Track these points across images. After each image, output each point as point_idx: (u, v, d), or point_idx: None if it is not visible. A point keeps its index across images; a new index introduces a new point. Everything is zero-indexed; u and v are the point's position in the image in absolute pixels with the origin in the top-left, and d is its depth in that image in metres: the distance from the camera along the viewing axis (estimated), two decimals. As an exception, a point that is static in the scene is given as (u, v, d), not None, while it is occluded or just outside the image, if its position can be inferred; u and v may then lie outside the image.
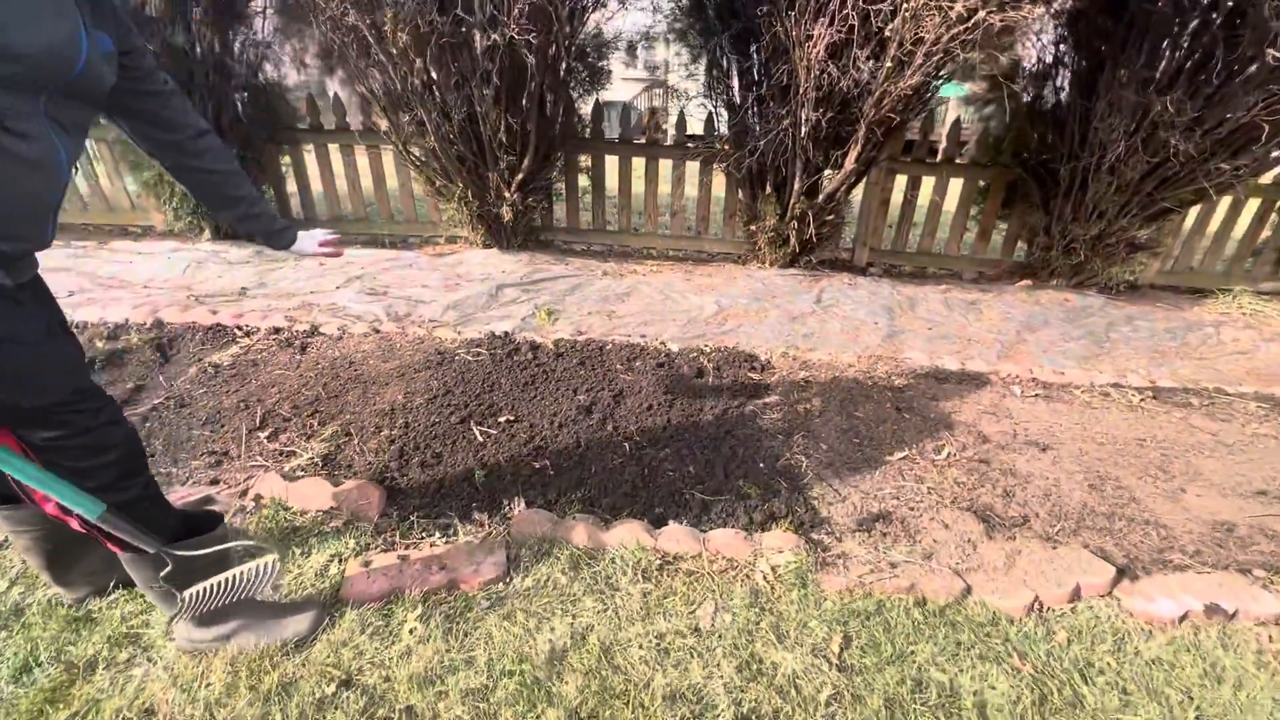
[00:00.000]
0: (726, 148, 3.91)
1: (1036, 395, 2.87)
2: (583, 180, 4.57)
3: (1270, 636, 1.70)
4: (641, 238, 4.77)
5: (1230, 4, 2.98)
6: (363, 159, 4.59)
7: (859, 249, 4.62)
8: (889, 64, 2.92)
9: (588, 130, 4.42)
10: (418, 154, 3.99)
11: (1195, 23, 3.10)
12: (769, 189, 3.88)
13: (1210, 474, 2.37)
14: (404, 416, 2.43)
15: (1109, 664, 1.59)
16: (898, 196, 4.50)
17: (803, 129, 3.34)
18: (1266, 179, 4.19)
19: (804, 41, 3.06)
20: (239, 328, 3.21)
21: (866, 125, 3.22)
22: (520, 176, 3.94)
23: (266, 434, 2.33)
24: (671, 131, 4.34)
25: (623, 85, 6.32)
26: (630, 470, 2.14)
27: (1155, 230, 3.83)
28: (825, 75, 3.06)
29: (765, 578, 1.78)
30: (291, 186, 4.77)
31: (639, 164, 4.47)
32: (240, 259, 4.35)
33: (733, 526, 1.94)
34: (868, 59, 2.93)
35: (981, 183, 4.40)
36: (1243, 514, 2.15)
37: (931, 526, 2.00)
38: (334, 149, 4.58)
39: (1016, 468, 2.33)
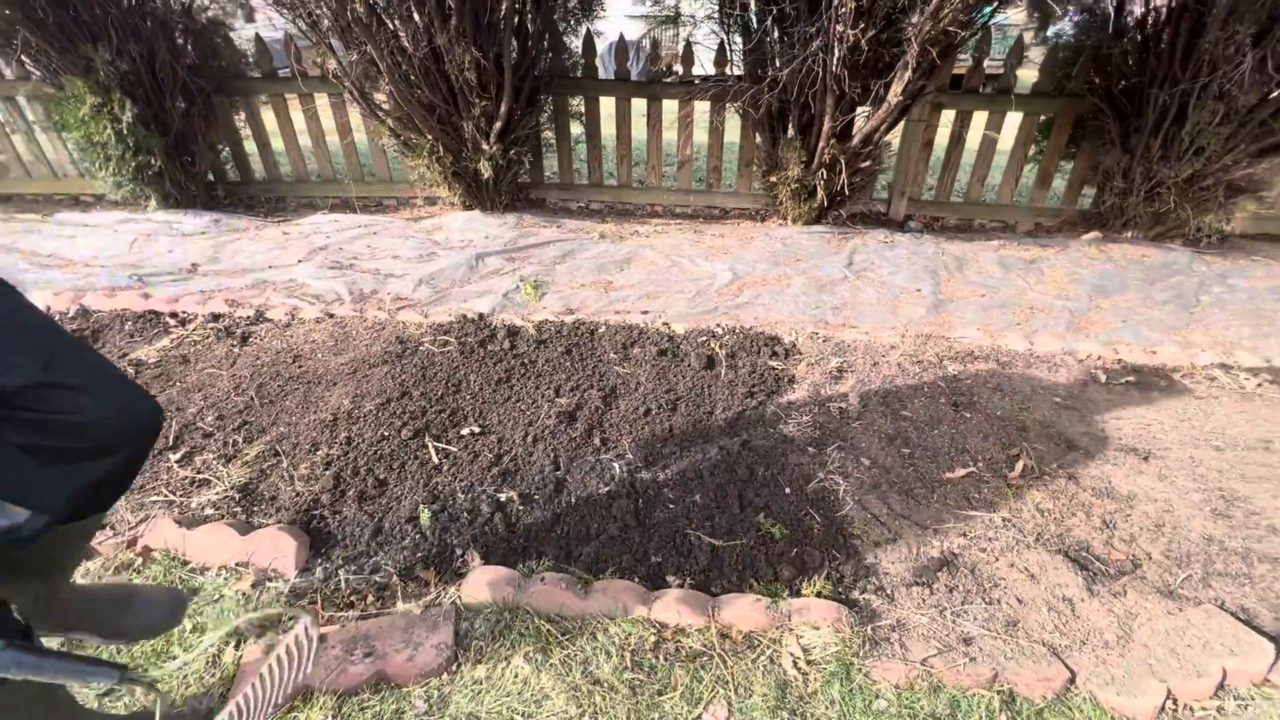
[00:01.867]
0: (743, 82, 3.27)
1: (1126, 382, 2.34)
2: (575, 127, 3.97)
3: None
4: (645, 193, 4.18)
5: None
6: (326, 111, 4.03)
7: (896, 200, 3.99)
8: None
9: (579, 68, 3.79)
10: (380, 100, 3.43)
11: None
12: (792, 131, 3.27)
13: (1367, 489, 1.85)
14: (347, 429, 1.99)
15: (1285, 802, 1.13)
16: (943, 138, 3.84)
17: (836, 53, 2.69)
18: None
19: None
20: (173, 315, 2.77)
21: (919, 43, 2.57)
22: (499, 125, 3.36)
23: (179, 456, 1.90)
24: (677, 68, 3.69)
25: (629, 24, 5.59)
26: (621, 503, 1.68)
27: (1267, 168, 3.16)
28: None
29: (796, 664, 1.33)
30: (251, 146, 4.23)
31: (639, 106, 3.84)
32: (195, 229, 3.88)
33: (751, 586, 1.49)
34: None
35: (1044, 116, 3.72)
36: None
37: (1012, 577, 1.53)
38: (292, 99, 4.01)
39: (1114, 486, 1.83)
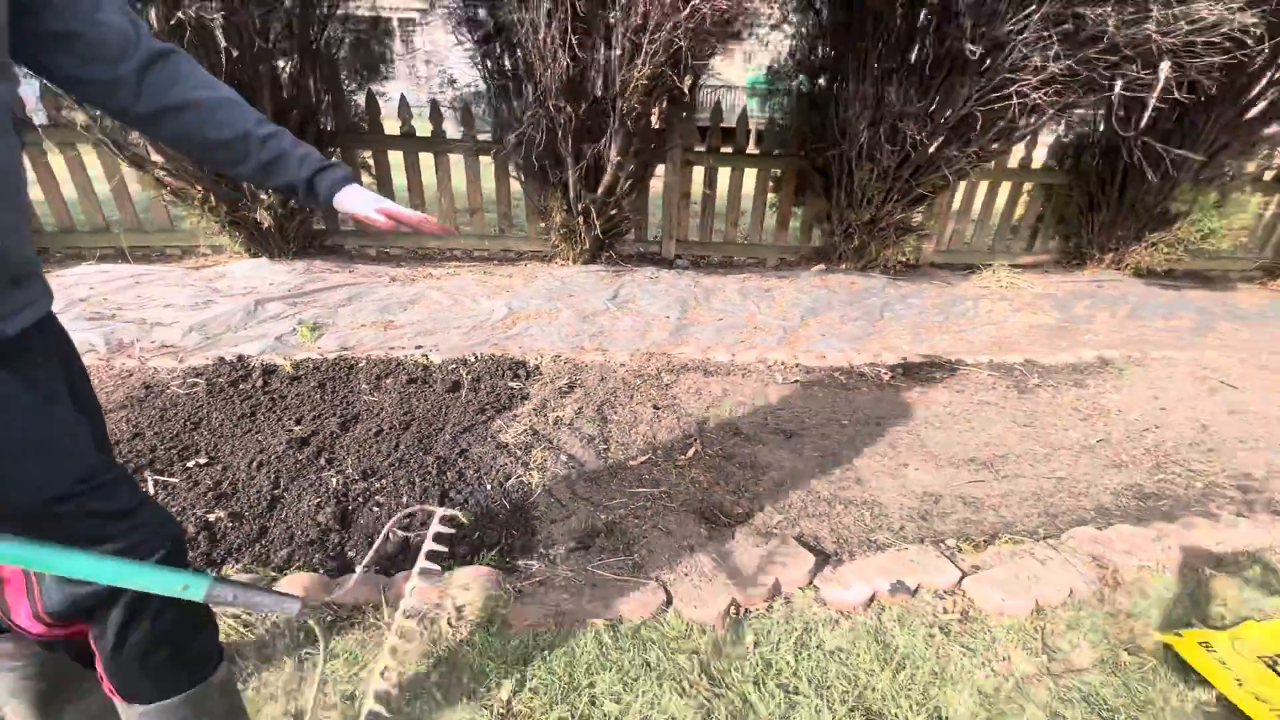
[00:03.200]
0: (497, 144, 3.72)
1: (797, 381, 2.95)
2: (365, 178, 4.18)
3: (945, 608, 1.78)
4: (440, 240, 4.47)
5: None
6: (92, 157, 3.91)
7: (666, 241, 4.61)
8: (618, 52, 2.85)
9: (364, 123, 4.05)
10: (144, 147, 3.44)
11: (922, 17, 3.30)
12: (552, 182, 3.73)
13: (934, 446, 2.51)
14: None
15: (787, 663, 1.57)
16: (699, 188, 4.53)
17: (559, 119, 3.21)
18: (1012, 163, 4.64)
19: (534, 27, 2.91)
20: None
21: (618, 117, 3.15)
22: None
23: None
24: (451, 127, 4.07)
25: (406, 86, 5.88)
26: (327, 512, 1.89)
27: (924, 213, 4.12)
28: (559, 64, 2.93)
29: (449, 620, 1.61)
30: None
31: (427, 159, 4.16)
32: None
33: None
34: (599, 47, 2.85)
35: (775, 171, 4.53)
36: (951, 484, 2.29)
37: (652, 535, 1.94)
38: (50, 148, 3.86)
39: (758, 459, 2.34)
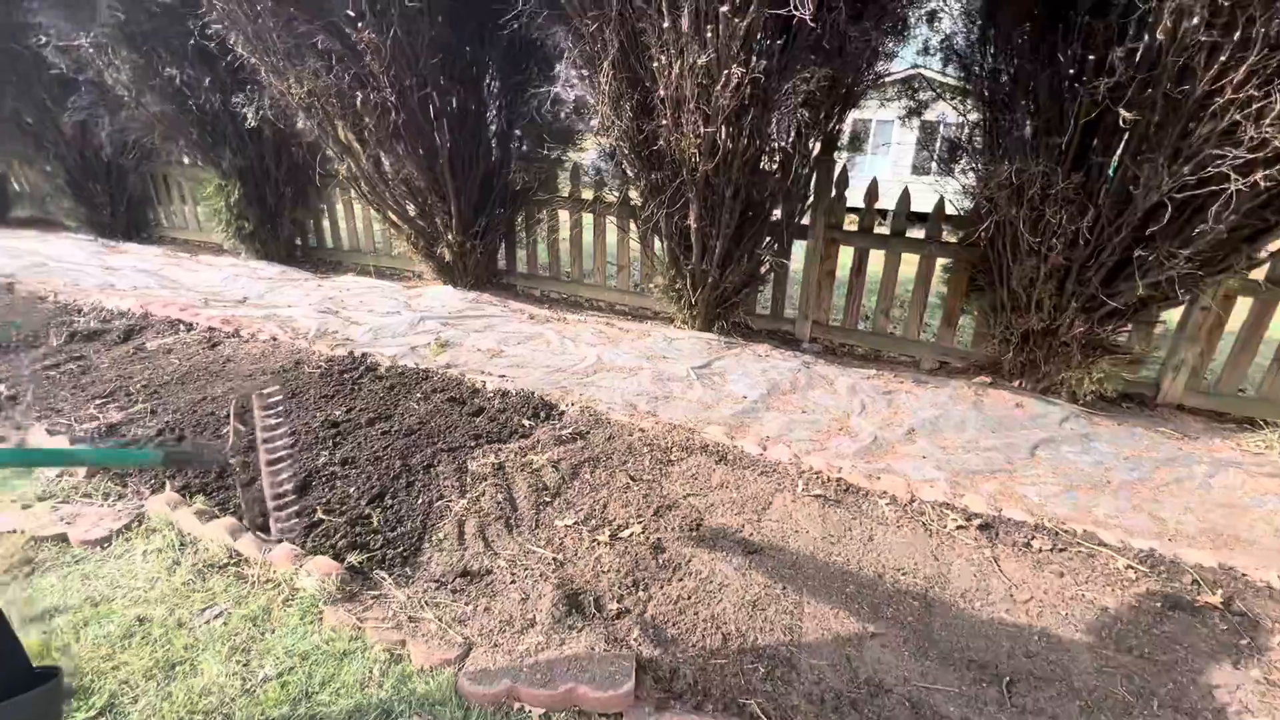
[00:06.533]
0: (639, 208, 3.95)
1: (819, 496, 2.45)
2: (543, 229, 4.86)
3: None
4: (591, 289, 4.89)
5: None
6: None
7: (800, 321, 4.25)
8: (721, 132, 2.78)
9: (542, 186, 4.74)
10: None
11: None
12: (660, 248, 3.81)
13: (943, 636, 1.85)
14: (204, 405, 2.83)
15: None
16: (846, 270, 4.11)
17: (693, 207, 3.27)
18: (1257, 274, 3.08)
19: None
20: (186, 324, 3.96)
21: (732, 188, 3.06)
22: (454, 222, 4.35)
23: (99, 404, 2.87)
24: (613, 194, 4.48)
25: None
26: (297, 480, 2.27)
27: (1140, 332, 3.01)
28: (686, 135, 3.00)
29: (285, 599, 1.80)
30: (326, 223, 5.72)
31: (587, 218, 4.65)
32: (267, 275, 5.31)
33: (326, 550, 1.97)
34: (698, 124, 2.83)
35: (943, 261, 3.86)
36: None
37: (512, 594, 1.85)
38: (346, 196, 5.43)
39: (689, 564, 2.03)
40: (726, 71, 2.52)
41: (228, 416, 2.55)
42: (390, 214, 4.51)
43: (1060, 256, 2.81)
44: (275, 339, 3.78)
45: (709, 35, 2.50)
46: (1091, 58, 2.47)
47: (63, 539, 2.02)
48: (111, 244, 6.23)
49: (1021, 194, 2.82)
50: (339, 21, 3.37)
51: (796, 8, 2.25)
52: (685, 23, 2.53)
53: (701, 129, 2.87)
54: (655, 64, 2.81)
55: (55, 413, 2.80)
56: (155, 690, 1.53)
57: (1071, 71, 2.64)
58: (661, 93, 2.90)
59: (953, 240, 3.74)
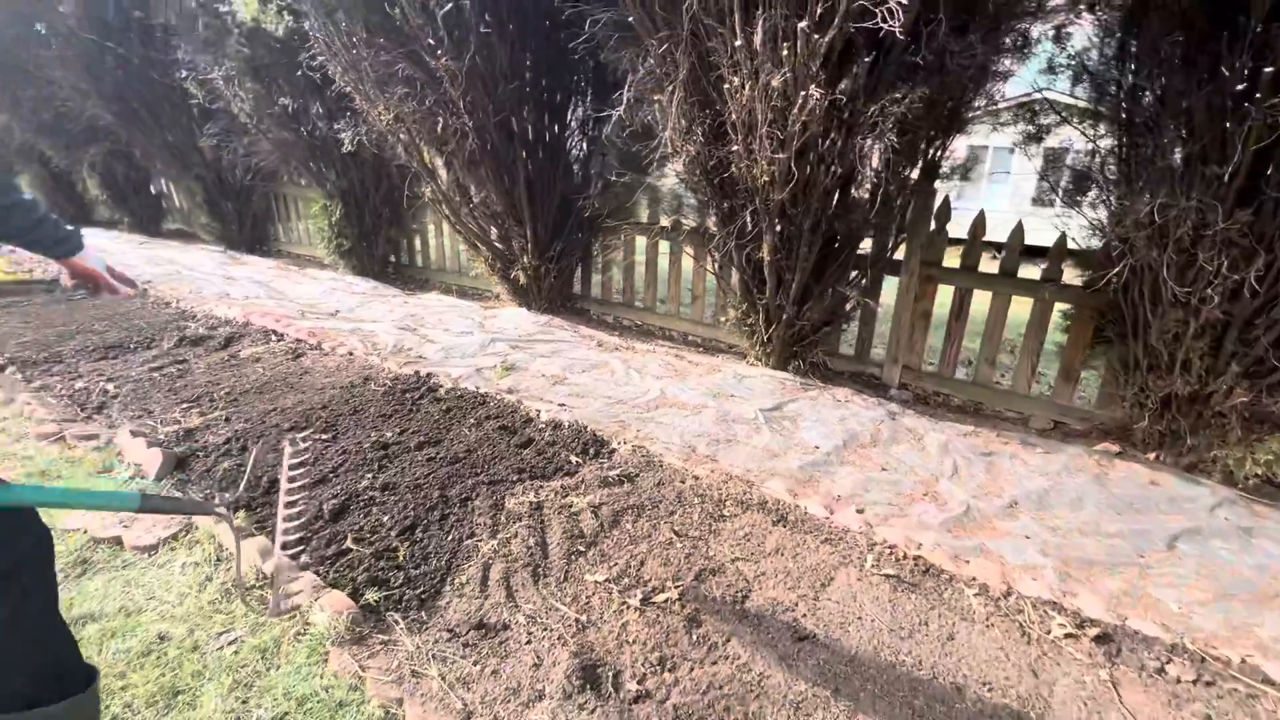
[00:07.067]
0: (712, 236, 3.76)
1: (890, 575, 2.10)
2: (619, 254, 4.77)
3: None
4: (664, 318, 4.72)
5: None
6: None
7: (889, 366, 3.84)
8: (784, 155, 2.52)
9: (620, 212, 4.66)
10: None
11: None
12: (735, 279, 3.56)
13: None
14: (272, 416, 2.93)
15: None
16: (945, 309, 3.68)
17: (766, 238, 3.03)
18: None
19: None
20: (278, 335, 4.19)
21: (811, 222, 2.78)
22: (530, 246, 4.35)
23: (181, 409, 3.04)
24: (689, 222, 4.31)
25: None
26: (334, 503, 2.25)
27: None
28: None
29: (297, 632, 1.73)
30: (418, 242, 5.97)
31: (663, 245, 4.52)
32: (361, 290, 5.59)
33: (348, 580, 1.91)
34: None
35: (1063, 305, 3.35)
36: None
37: (526, 657, 1.68)
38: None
39: (729, 645, 1.78)
40: (804, 93, 2.30)
41: (264, 441, 2.60)
42: (470, 236, 4.61)
43: (1217, 310, 2.30)
44: (352, 353, 3.90)
45: (784, 53, 2.30)
46: (1268, 70, 2.02)
47: (117, 542, 2.10)
48: (236, 255, 6.86)
49: (1166, 233, 2.35)
50: (420, 50, 3.49)
51: (885, 19, 2.00)
52: (759, 40, 2.34)
53: (774, 155, 2.65)
54: (726, 85, 2.63)
55: (147, 413, 2.99)
56: (154, 719, 1.49)
57: (1240, 88, 2.18)
58: (733, 116, 2.72)
59: (1076, 283, 3.24)
